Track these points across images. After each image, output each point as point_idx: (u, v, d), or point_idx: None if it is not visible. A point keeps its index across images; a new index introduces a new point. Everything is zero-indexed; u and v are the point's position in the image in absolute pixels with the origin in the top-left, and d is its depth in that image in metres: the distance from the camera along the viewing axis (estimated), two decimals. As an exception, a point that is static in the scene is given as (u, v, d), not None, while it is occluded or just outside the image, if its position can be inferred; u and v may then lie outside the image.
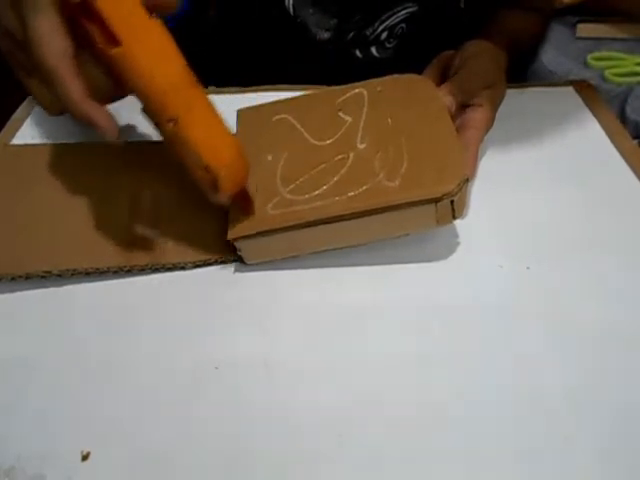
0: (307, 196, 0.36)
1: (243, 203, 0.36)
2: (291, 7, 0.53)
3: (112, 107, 0.50)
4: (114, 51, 0.31)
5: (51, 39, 0.32)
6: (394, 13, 0.53)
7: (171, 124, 0.32)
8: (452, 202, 0.35)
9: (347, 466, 0.29)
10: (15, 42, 0.35)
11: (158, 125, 0.33)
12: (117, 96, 0.37)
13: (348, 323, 0.35)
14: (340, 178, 0.37)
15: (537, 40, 0.63)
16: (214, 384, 0.32)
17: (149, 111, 0.33)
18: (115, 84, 0.34)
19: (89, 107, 0.32)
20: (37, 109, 0.50)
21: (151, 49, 0.32)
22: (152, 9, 0.33)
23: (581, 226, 0.41)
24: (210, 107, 0.34)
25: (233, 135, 0.34)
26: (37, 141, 0.47)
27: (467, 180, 0.36)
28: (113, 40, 0.31)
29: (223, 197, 0.34)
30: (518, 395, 0.32)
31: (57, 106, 0.38)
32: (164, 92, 0.32)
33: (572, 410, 0.31)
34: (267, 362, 0.33)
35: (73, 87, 0.32)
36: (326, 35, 0.55)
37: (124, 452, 0.30)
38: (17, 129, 0.48)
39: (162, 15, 0.34)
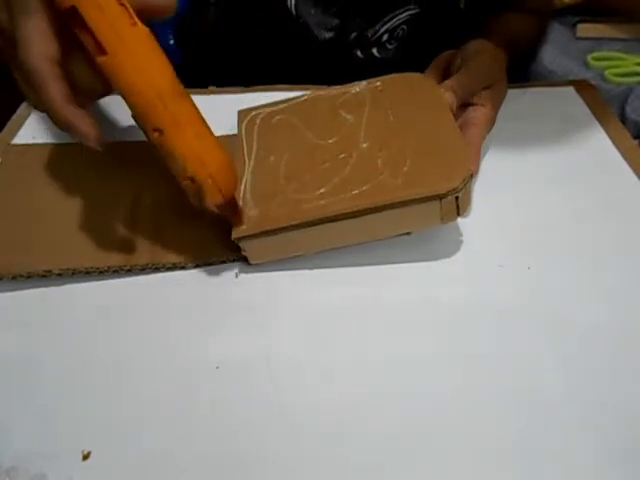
0: (311, 195, 0.36)
1: (230, 212, 0.36)
2: (293, 7, 0.53)
3: (112, 106, 0.50)
4: (100, 59, 0.31)
5: (36, 41, 0.31)
6: (396, 15, 0.53)
7: (156, 134, 0.32)
8: (457, 198, 0.35)
9: (347, 466, 0.29)
10: (7, 40, 0.35)
11: (145, 132, 0.33)
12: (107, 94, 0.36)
13: (349, 323, 0.35)
14: (344, 176, 0.37)
15: (536, 44, 0.63)
16: (214, 384, 0.32)
17: (136, 119, 0.33)
18: (106, 83, 0.34)
19: (70, 112, 0.32)
20: (37, 109, 0.50)
21: (137, 59, 0.31)
22: (147, 15, 0.32)
23: (581, 226, 0.41)
24: (198, 118, 0.33)
25: (220, 145, 0.34)
26: (38, 141, 0.47)
27: (472, 176, 0.36)
28: (100, 48, 0.31)
29: (208, 206, 0.34)
30: (518, 395, 0.32)
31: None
32: (149, 102, 0.31)
33: (572, 410, 0.31)
34: (268, 362, 0.33)
35: (54, 91, 0.31)
36: (328, 35, 0.55)
37: (124, 452, 0.30)
38: (18, 129, 0.48)
39: (158, 20, 0.33)
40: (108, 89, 0.34)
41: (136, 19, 0.32)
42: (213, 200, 0.34)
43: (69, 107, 0.32)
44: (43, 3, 0.32)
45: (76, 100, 0.32)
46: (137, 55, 0.31)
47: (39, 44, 0.31)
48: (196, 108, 0.34)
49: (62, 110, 0.32)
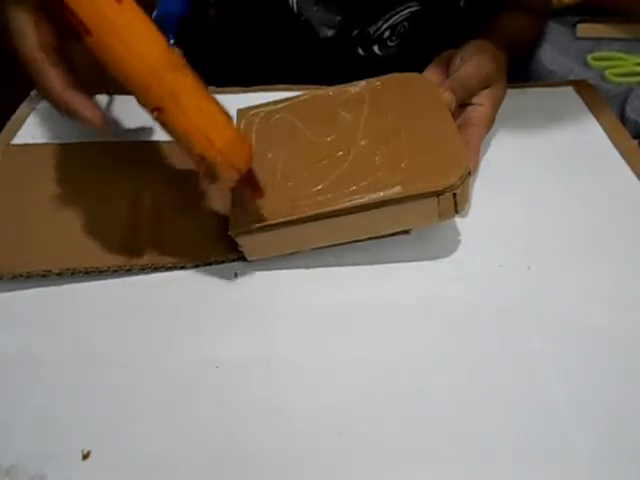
0: (308, 191, 0.36)
1: (249, 187, 0.34)
2: (295, 5, 0.53)
3: (113, 106, 0.50)
4: (88, 41, 0.30)
5: (29, 32, 0.32)
6: (397, 12, 0.53)
7: (156, 113, 0.30)
8: (454, 195, 0.35)
9: (347, 465, 0.29)
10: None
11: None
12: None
13: (348, 322, 0.35)
14: (341, 173, 0.37)
15: (534, 43, 0.63)
16: (214, 384, 0.32)
17: (136, 99, 0.31)
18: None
19: (70, 96, 0.32)
20: (38, 109, 0.50)
21: (123, 37, 0.30)
22: None
23: (581, 226, 0.41)
24: (198, 90, 0.31)
25: (228, 118, 0.32)
26: (37, 141, 0.47)
27: (469, 173, 0.36)
28: (86, 30, 0.30)
29: (224, 184, 0.32)
30: (518, 395, 0.32)
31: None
32: (143, 80, 0.30)
33: (572, 410, 0.31)
34: (267, 361, 0.33)
35: (52, 78, 0.32)
36: (329, 33, 0.55)
37: (124, 452, 0.30)
38: (17, 129, 0.48)
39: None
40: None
41: None
42: (227, 177, 0.32)
43: (68, 92, 0.32)
44: None
45: (79, 86, 0.32)
46: (123, 33, 0.30)
47: (33, 34, 0.32)
48: (197, 80, 0.31)
49: (61, 95, 0.32)
